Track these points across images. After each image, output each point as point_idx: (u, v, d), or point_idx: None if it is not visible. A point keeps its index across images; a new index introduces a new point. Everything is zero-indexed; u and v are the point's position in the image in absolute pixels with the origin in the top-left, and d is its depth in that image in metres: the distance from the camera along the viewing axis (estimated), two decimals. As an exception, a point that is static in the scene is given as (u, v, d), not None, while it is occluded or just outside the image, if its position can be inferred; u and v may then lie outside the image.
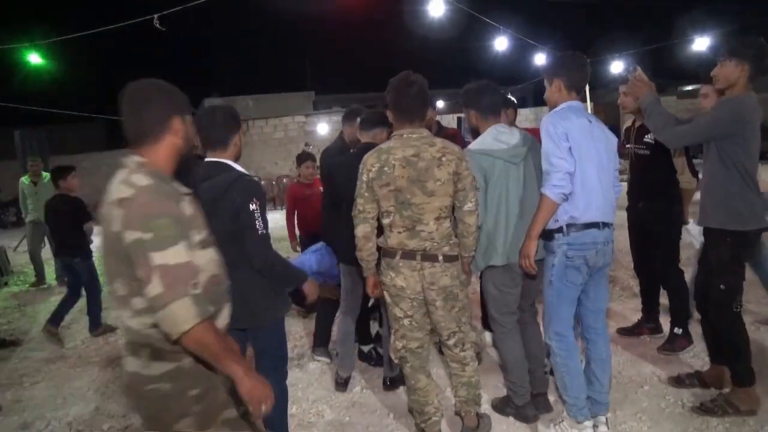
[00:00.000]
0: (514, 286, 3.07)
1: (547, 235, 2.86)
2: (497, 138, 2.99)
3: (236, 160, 2.56)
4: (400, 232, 2.70)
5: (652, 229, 3.97)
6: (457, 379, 2.95)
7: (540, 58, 13.48)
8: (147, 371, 1.65)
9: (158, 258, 1.50)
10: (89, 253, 5.46)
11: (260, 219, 2.43)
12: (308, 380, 3.98)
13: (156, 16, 7.18)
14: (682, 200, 3.95)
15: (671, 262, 3.97)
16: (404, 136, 2.70)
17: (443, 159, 2.65)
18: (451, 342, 2.88)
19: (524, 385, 3.13)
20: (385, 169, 2.64)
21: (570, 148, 2.72)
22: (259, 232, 2.41)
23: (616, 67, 19.20)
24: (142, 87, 1.72)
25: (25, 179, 7.86)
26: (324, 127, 20.19)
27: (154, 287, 1.49)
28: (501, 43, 10.53)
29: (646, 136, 3.87)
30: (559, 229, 2.80)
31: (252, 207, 2.40)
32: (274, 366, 2.66)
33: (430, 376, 2.98)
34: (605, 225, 2.83)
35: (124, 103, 1.68)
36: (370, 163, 2.69)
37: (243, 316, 2.31)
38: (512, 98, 4.32)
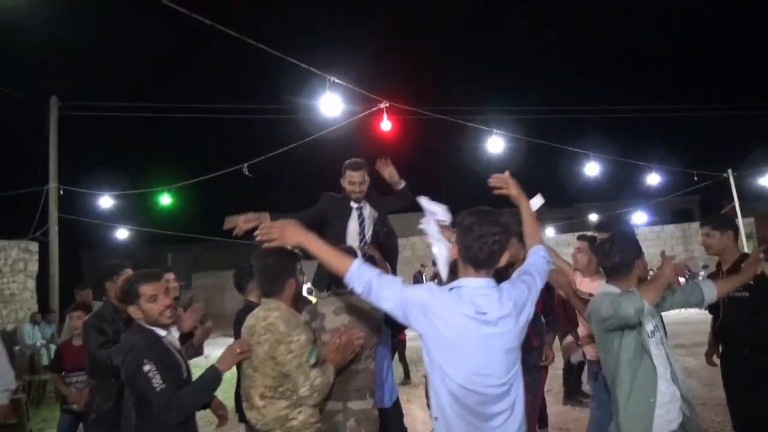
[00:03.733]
0: None
1: None
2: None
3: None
4: (244, 401, 2.65)
5: (765, 385, 3.47)
6: None
7: (654, 179, 12.76)
8: None
9: None
10: None
11: (157, 376, 2.42)
12: None
13: (246, 165, 8.45)
14: None
15: None
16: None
17: (261, 338, 2.52)
18: None
19: None
20: None
21: (407, 315, 2.07)
22: (157, 389, 2.42)
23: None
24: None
25: None
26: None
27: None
28: (592, 169, 10.28)
29: None
30: None
31: (146, 368, 2.43)
32: None
33: None
34: None
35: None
36: None
37: None
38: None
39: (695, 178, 15.00)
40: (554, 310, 4.24)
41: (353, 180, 4.01)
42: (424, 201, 3.62)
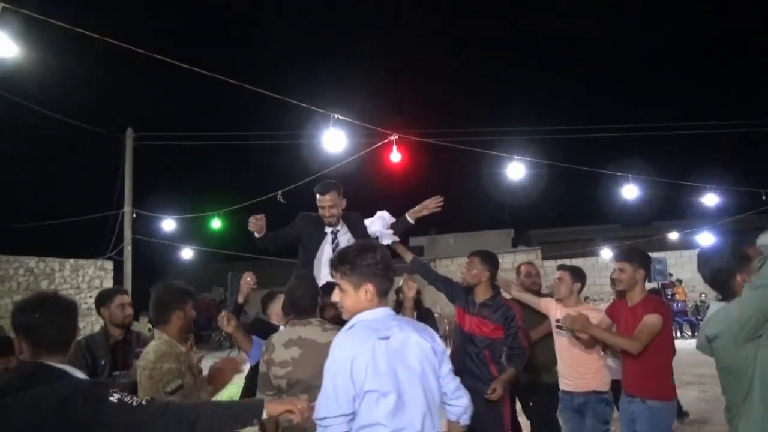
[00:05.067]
0: None
1: None
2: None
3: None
4: None
5: None
6: None
7: (711, 199, 12.17)
8: None
9: None
10: None
11: (130, 397, 1.91)
12: None
13: (280, 192, 9.03)
14: None
15: None
16: None
17: (141, 364, 2.71)
18: None
19: None
20: None
21: (353, 398, 2.00)
22: (134, 404, 1.89)
23: None
24: None
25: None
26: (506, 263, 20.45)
27: None
28: (630, 191, 9.98)
29: None
30: None
31: (113, 398, 1.88)
32: None
33: None
34: None
35: None
36: None
37: None
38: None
39: (764, 197, 14.10)
40: (519, 342, 3.83)
41: (322, 204, 3.98)
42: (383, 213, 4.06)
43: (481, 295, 3.89)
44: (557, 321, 3.95)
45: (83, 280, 13.62)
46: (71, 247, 13.85)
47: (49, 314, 1.98)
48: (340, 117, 6.01)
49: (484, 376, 3.74)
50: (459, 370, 3.86)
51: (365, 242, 2.27)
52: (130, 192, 14.15)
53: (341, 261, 2.18)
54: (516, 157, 8.08)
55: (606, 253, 18.95)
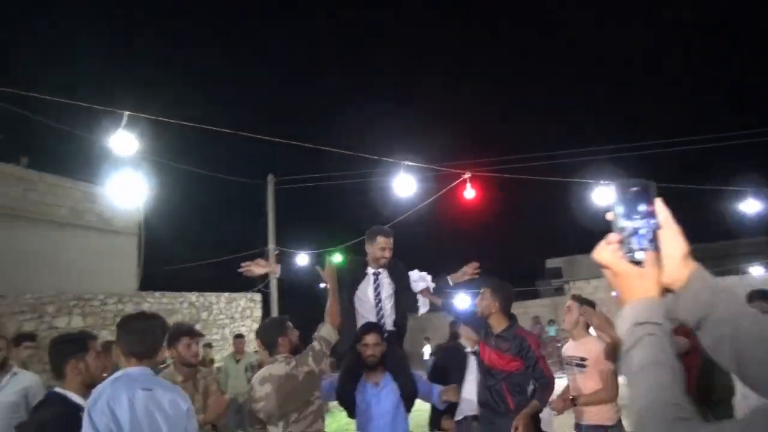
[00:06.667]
0: None
1: None
2: None
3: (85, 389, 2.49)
4: None
5: None
6: None
7: None
8: None
9: None
10: None
11: None
12: None
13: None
14: None
15: None
16: None
17: None
18: None
19: None
20: None
21: None
22: None
23: None
24: None
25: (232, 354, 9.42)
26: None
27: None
28: (751, 205, 9.19)
29: None
30: None
31: None
32: None
33: None
34: None
35: None
36: None
37: None
38: None
39: None
40: (542, 372, 3.83)
41: (384, 246, 4.13)
42: (421, 274, 4.55)
43: (497, 325, 3.98)
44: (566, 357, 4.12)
45: (236, 310, 15.59)
46: (226, 282, 15.97)
47: None
48: (409, 163, 6.70)
49: (500, 409, 3.86)
50: (480, 403, 4.13)
51: (141, 311, 2.69)
52: (273, 231, 16.02)
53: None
54: (602, 182, 8.08)
55: (756, 270, 16.99)
